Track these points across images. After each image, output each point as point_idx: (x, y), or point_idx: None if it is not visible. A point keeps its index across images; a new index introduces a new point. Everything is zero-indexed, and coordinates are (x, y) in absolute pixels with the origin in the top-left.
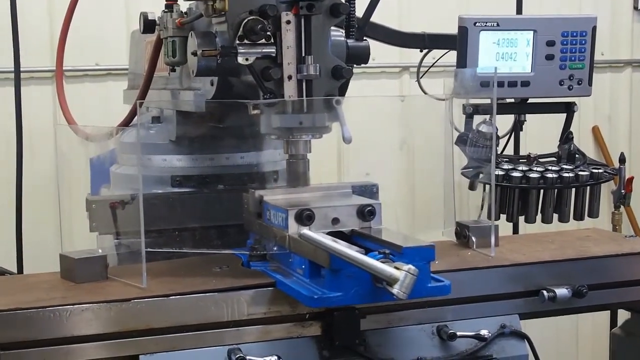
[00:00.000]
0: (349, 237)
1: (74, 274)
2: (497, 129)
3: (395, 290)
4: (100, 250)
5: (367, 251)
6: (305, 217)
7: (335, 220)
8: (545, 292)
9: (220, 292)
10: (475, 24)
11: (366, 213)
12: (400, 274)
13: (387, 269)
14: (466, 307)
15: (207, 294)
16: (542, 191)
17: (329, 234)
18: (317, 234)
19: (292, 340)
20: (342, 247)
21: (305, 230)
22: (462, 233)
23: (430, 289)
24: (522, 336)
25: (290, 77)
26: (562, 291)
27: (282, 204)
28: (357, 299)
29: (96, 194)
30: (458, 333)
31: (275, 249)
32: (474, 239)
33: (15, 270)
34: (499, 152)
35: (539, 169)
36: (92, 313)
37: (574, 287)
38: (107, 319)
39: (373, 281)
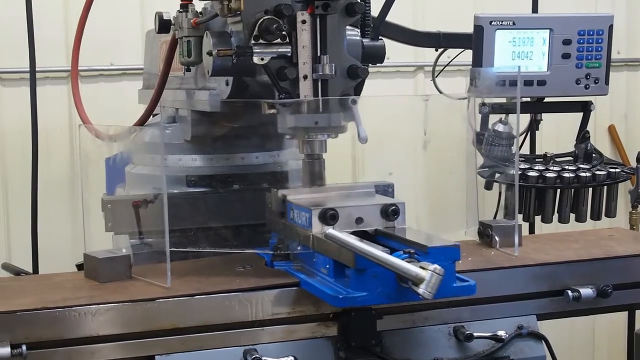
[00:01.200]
0: (373, 237)
1: (99, 274)
2: (512, 129)
3: (421, 290)
4: (124, 250)
5: (391, 251)
6: (329, 216)
7: (359, 220)
8: (570, 292)
9: (245, 292)
10: (491, 22)
11: (390, 212)
12: (427, 273)
13: (413, 268)
14: (484, 308)
15: (231, 294)
16: (558, 191)
17: (353, 233)
18: (342, 234)
19: (309, 340)
20: (367, 246)
21: (331, 230)
22: (485, 232)
23: (455, 288)
24: (540, 337)
25: (305, 77)
26: (586, 291)
27: (305, 204)
28: (382, 298)
29: (111, 194)
30: (475, 334)
31: (299, 248)
32: (497, 238)
33: (30, 269)
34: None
35: (555, 168)
36: (118, 312)
37: (599, 286)
38: (133, 318)
39: (398, 281)
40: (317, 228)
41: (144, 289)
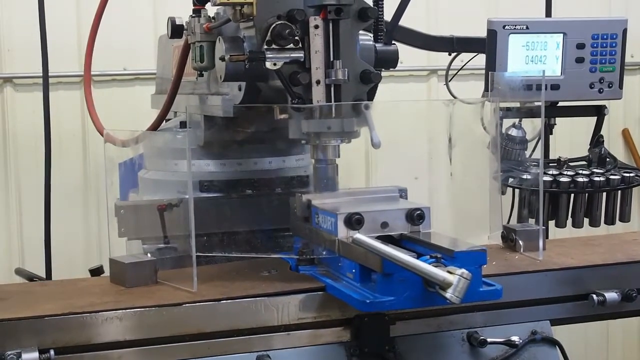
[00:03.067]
0: (398, 241)
1: (124, 279)
2: (525, 133)
3: (448, 294)
4: (149, 255)
5: (417, 255)
6: (355, 221)
7: (385, 225)
8: (594, 296)
9: (271, 297)
10: (504, 27)
11: (415, 217)
12: (454, 278)
13: (440, 273)
14: (497, 313)
15: (258, 298)
16: (572, 195)
17: (378, 238)
18: (370, 238)
19: (322, 346)
20: (395, 251)
21: (358, 235)
22: (509, 237)
23: (482, 293)
24: (554, 342)
25: (318, 82)
26: (611, 295)
27: (331, 208)
28: (409, 303)
29: (124, 199)
30: (489, 339)
31: (324, 253)
32: (521, 242)
33: (43, 274)
34: (527, 156)
35: (569, 172)
36: (145, 317)
37: (623, 290)
38: (159, 323)
39: (425, 285)
40: (342, 233)
41: (170, 293)
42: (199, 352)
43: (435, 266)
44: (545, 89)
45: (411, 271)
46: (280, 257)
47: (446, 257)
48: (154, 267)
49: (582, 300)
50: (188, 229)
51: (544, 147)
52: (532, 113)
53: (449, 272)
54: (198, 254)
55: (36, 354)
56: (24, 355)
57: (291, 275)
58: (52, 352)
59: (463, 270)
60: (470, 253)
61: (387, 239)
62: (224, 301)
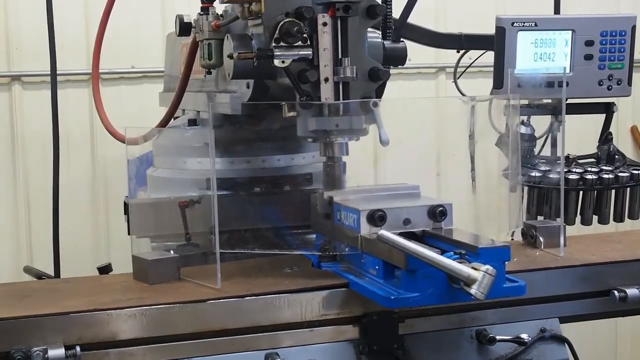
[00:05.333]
0: (421, 238)
1: (147, 275)
2: (534, 130)
3: (473, 290)
4: (172, 252)
5: (441, 252)
6: (378, 217)
7: (407, 221)
8: (616, 292)
9: (295, 293)
10: (513, 24)
11: (438, 214)
12: (479, 274)
13: (465, 269)
14: (507, 311)
15: (282, 295)
16: (581, 193)
17: (400, 234)
18: (394, 235)
19: (330, 344)
20: (420, 248)
21: (383, 231)
22: (529, 233)
23: (505, 289)
24: (563, 340)
25: (326, 80)
26: (633, 291)
27: (353, 205)
28: (433, 299)
29: (134, 197)
30: (497, 337)
31: (346, 249)
32: (541, 239)
33: (51, 272)
34: (536, 154)
35: (578, 170)
36: (169, 314)
37: None
38: (184, 319)
39: (449, 282)
40: (365, 229)
41: (193, 290)
42: (223, 349)
43: (460, 262)
44: (553, 86)
45: (436, 267)
46: (302, 253)
47: (470, 253)
48: (177, 264)
49: (604, 296)
50: (206, 226)
51: (552, 145)
52: (545, 110)
53: (473, 268)
54: (221, 250)
55: (62, 351)
56: (50, 352)
57: (313, 272)
58: (77, 348)
59: (488, 266)
60: (494, 249)
61: (409, 236)
62: (248, 297)
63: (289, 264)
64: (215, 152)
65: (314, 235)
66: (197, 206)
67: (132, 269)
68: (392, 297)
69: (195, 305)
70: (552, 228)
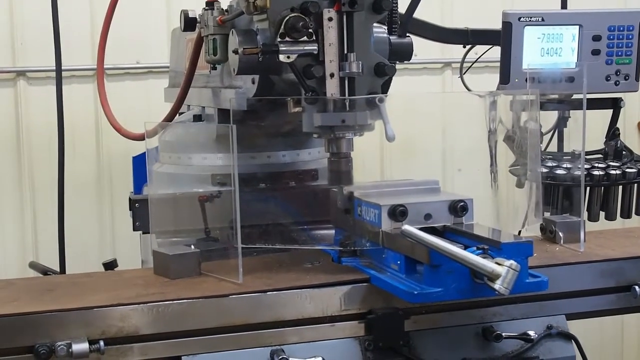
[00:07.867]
0: (442, 233)
1: (169, 270)
2: (541, 126)
3: (497, 285)
4: (192, 247)
5: (464, 247)
6: (399, 212)
7: (428, 216)
8: (637, 288)
9: (317, 288)
10: (519, 19)
11: (459, 209)
12: (503, 269)
13: (489, 264)
14: (513, 308)
15: (304, 290)
16: (588, 188)
17: (421, 229)
18: (418, 230)
19: (336, 341)
20: (444, 243)
21: (407, 226)
22: (549, 228)
23: (528, 284)
24: (569, 337)
25: (332, 75)
26: None
27: (374, 200)
28: (457, 294)
29: (139, 193)
30: (504, 334)
31: (367, 245)
32: (561, 234)
33: (57, 268)
34: (542, 149)
35: (585, 166)
36: (192, 308)
37: None
38: (206, 314)
39: (472, 277)
40: (386, 224)
41: (215, 285)
42: (245, 343)
43: (483, 257)
44: (560, 81)
45: (460, 263)
46: (322, 248)
47: (493, 248)
48: (198, 259)
49: (625, 292)
50: (222, 221)
51: (559, 140)
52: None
53: (497, 263)
54: (243, 245)
55: (86, 345)
56: (74, 346)
57: (334, 267)
58: (101, 342)
59: (512, 261)
60: (517, 244)
61: (430, 231)
62: (270, 292)
63: (310, 259)
64: (218, 148)
65: (333, 231)
66: (216, 201)
67: (153, 264)
68: (415, 292)
69: (218, 300)
70: (572, 223)
